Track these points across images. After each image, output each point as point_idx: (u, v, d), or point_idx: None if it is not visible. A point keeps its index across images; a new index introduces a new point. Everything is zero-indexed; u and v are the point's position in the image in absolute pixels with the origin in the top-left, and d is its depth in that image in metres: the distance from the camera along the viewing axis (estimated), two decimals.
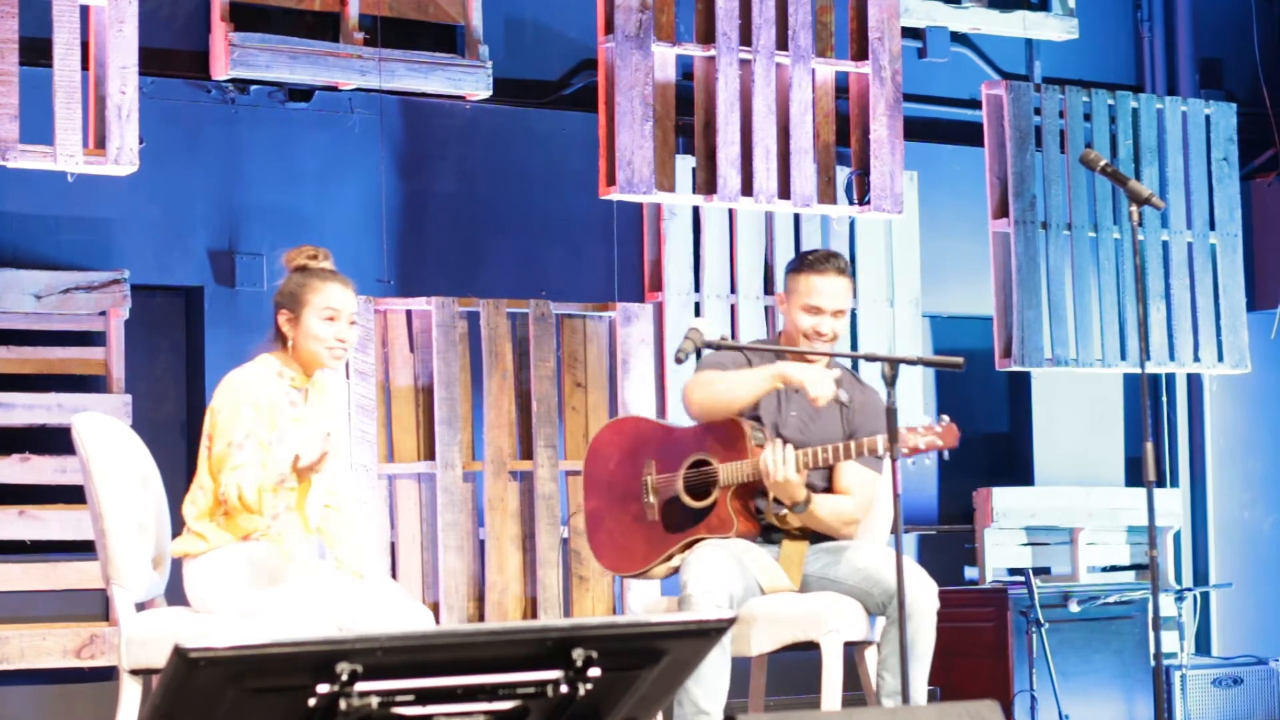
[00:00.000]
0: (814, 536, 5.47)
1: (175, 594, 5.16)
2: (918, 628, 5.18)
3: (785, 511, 5.37)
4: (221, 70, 6.78)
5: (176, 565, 5.10)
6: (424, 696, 2.92)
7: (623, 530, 5.54)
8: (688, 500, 5.45)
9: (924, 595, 5.22)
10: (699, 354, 5.66)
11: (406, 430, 6.97)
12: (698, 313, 7.53)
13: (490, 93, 7.24)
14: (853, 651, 5.43)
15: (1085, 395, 8.83)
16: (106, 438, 5.03)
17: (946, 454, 5.34)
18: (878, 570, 5.30)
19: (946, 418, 5.20)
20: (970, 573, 8.35)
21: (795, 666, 6.40)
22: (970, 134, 8.39)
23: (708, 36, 7.34)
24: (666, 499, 5.48)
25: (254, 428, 4.87)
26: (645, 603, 5.83)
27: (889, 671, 5.22)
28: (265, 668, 2.80)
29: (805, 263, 5.54)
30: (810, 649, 5.34)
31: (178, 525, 5.07)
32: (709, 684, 5.11)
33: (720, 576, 5.21)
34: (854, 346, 7.89)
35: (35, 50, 6.31)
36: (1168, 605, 8.42)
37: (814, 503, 5.35)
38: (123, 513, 4.96)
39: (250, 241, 6.99)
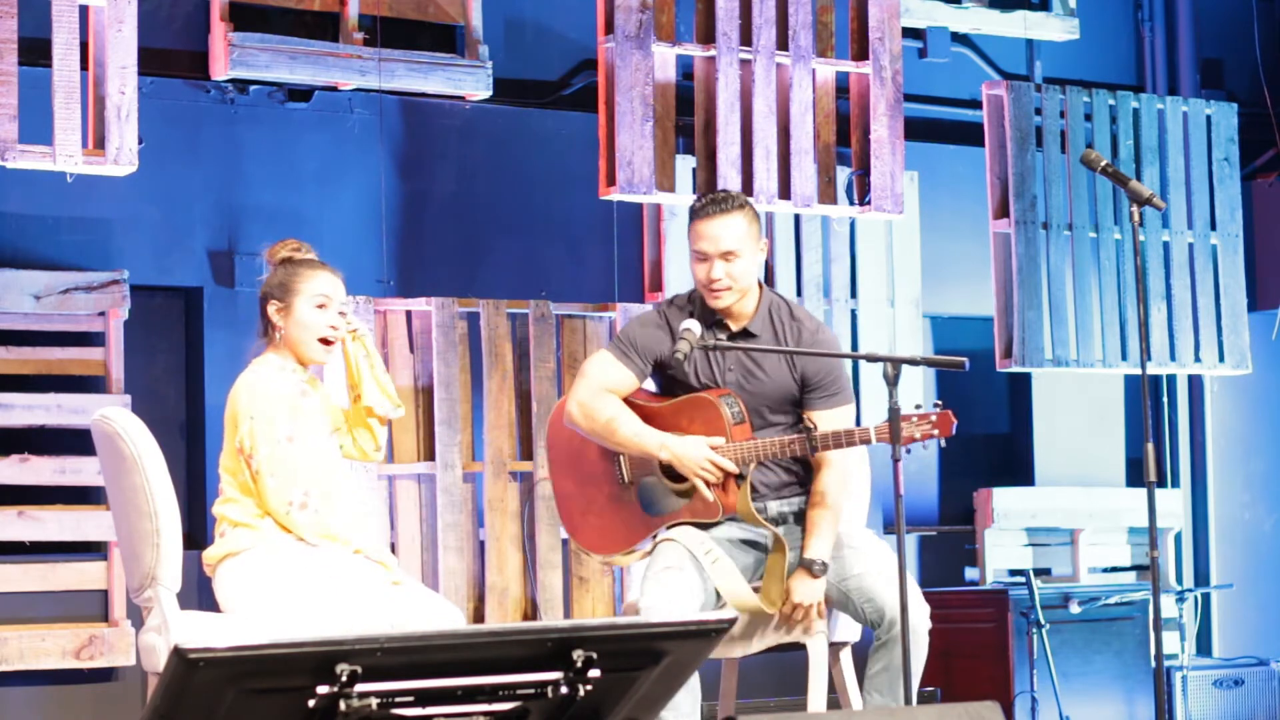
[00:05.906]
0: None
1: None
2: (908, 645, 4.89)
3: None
4: (221, 70, 6.78)
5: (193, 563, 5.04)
6: (424, 697, 2.91)
7: (598, 510, 5.32)
8: (666, 482, 5.23)
9: (916, 614, 4.96)
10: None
11: (406, 431, 6.96)
12: None
13: (490, 93, 7.24)
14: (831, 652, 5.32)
15: (1086, 396, 8.82)
16: (146, 433, 4.86)
17: (943, 442, 5.08)
18: (871, 583, 5.08)
19: (940, 404, 4.97)
20: (971, 574, 8.34)
21: (766, 668, 6.35)
22: (971, 134, 8.39)
23: (708, 36, 7.33)
24: (642, 479, 5.27)
25: (291, 424, 4.88)
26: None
27: (878, 690, 5.01)
28: (265, 669, 2.79)
29: (690, 211, 5.23)
30: (793, 650, 5.24)
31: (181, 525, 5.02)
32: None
33: (676, 596, 5.00)
34: (854, 346, 7.90)
35: (34, 50, 6.30)
36: (1169, 606, 8.42)
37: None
38: (173, 511, 4.82)
39: (250, 242, 6.97)
